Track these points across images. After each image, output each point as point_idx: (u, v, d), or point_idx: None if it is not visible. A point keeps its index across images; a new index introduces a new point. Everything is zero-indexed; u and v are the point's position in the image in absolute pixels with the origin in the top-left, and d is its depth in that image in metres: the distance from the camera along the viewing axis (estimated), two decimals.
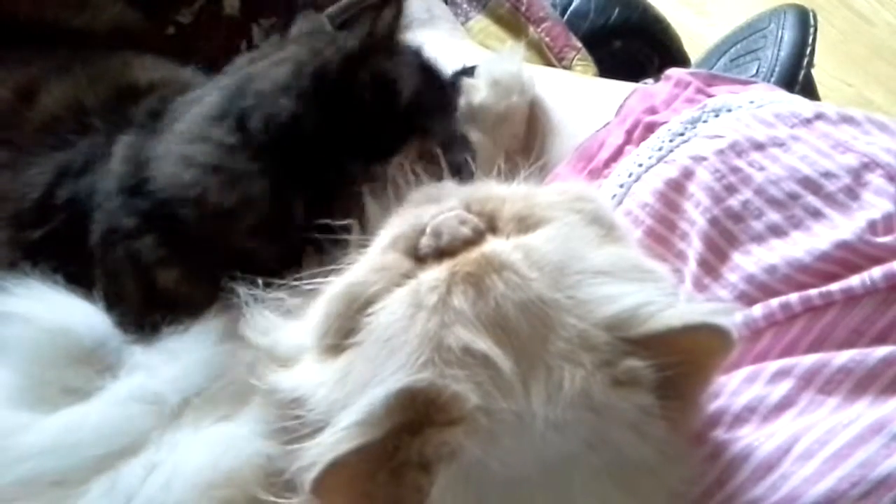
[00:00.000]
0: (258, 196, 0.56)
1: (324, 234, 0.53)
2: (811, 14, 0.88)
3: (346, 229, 0.53)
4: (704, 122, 0.58)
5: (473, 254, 0.44)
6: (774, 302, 0.50)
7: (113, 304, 0.57)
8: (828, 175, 0.53)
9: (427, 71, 0.63)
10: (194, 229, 0.57)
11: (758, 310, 0.50)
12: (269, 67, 0.60)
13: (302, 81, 0.57)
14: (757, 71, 0.84)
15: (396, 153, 0.58)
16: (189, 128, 0.59)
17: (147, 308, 0.57)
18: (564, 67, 0.86)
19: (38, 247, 0.61)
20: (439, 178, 0.55)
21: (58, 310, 0.55)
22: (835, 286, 0.48)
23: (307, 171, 0.56)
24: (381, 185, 0.56)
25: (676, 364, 0.42)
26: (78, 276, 0.57)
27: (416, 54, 0.64)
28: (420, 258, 0.46)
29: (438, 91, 0.63)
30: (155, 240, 0.58)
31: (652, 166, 0.58)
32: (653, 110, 0.61)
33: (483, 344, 0.41)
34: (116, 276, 0.59)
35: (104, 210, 0.60)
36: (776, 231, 0.52)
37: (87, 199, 0.61)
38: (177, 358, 0.54)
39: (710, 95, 0.61)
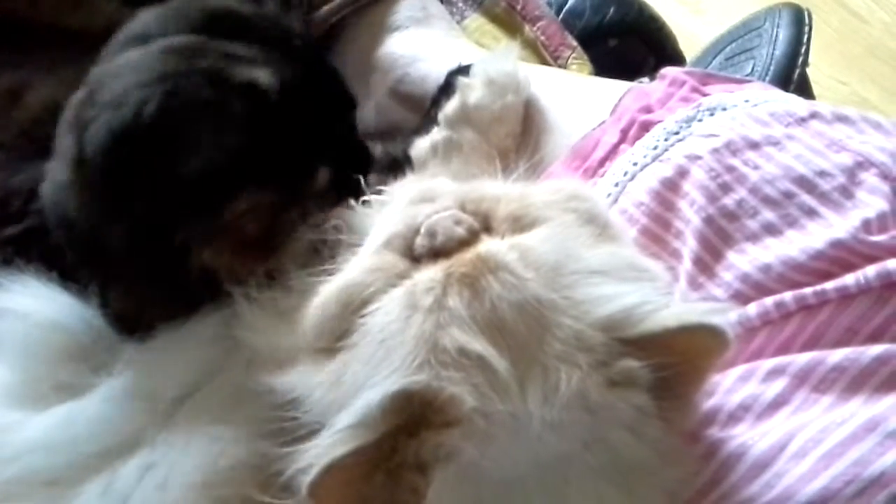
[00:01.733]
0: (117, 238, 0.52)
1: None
2: (806, 13, 0.88)
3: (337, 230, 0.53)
4: (699, 120, 0.58)
5: (469, 254, 0.44)
6: (769, 300, 0.50)
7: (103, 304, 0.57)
8: (822, 174, 0.53)
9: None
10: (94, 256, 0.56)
11: (752, 308, 0.50)
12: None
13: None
14: (752, 70, 0.84)
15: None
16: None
17: (120, 326, 0.57)
18: (560, 66, 0.85)
19: (18, 240, 0.61)
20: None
21: (52, 306, 0.55)
22: (829, 285, 0.49)
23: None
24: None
25: (672, 364, 0.42)
26: (68, 276, 0.57)
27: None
28: (415, 258, 0.46)
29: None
30: (88, 270, 0.57)
31: (647, 165, 0.58)
32: (648, 109, 0.61)
33: (479, 345, 0.41)
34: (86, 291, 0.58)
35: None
36: (771, 230, 0.52)
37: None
38: (170, 355, 0.54)
39: (705, 94, 0.61)
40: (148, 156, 0.50)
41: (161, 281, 0.55)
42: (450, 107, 0.66)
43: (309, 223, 0.55)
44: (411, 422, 0.41)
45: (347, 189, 0.56)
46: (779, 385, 0.47)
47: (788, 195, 0.53)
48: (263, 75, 0.53)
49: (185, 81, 0.51)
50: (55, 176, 0.55)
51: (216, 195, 0.52)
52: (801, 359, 0.47)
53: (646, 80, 0.69)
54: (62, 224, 0.55)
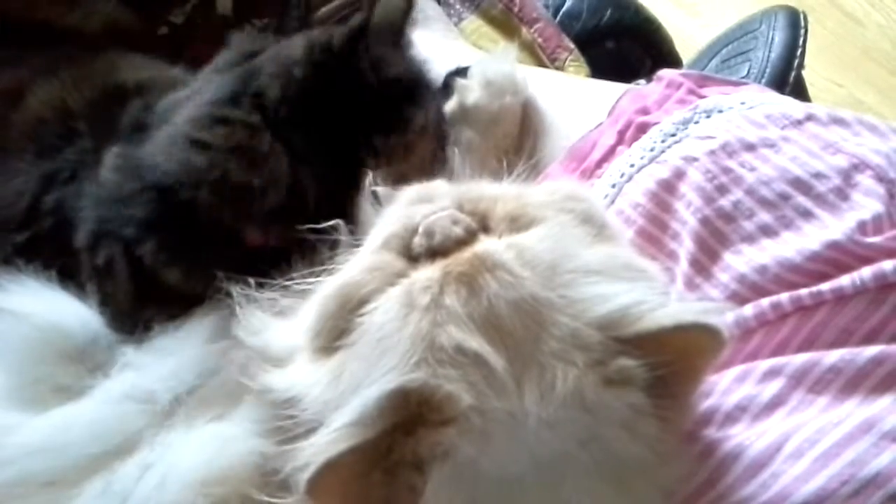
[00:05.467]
0: (282, 174, 0.56)
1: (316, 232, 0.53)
2: (802, 15, 0.88)
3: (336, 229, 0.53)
4: (696, 122, 0.58)
5: (466, 253, 0.44)
6: (765, 301, 0.50)
7: (103, 303, 0.56)
8: (818, 176, 0.53)
9: (420, 67, 0.64)
10: (206, 217, 0.56)
11: (749, 309, 0.50)
12: (274, 54, 0.60)
13: (312, 56, 0.58)
14: (748, 72, 0.85)
15: (389, 132, 0.59)
16: (195, 114, 0.58)
17: (140, 303, 0.57)
18: (557, 68, 0.86)
19: (26, 248, 0.60)
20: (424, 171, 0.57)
21: (50, 307, 0.55)
22: (825, 286, 0.49)
23: (319, 148, 0.57)
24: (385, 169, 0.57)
25: (668, 363, 0.42)
26: (67, 276, 0.57)
27: (413, 48, 0.65)
28: (413, 258, 0.46)
29: (426, 85, 0.64)
30: (156, 245, 0.57)
31: (644, 167, 0.58)
32: (645, 111, 0.62)
33: (476, 343, 0.41)
34: (106, 279, 0.59)
35: (93, 215, 0.59)
36: (767, 231, 0.52)
37: (72, 208, 0.60)
38: (168, 356, 0.53)
39: (701, 96, 0.61)
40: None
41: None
42: (448, 108, 0.66)
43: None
44: (408, 420, 0.41)
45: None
46: (775, 386, 0.47)
47: (784, 197, 0.53)
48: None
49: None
50: (212, 143, 0.56)
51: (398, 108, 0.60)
52: (797, 360, 0.47)
53: (642, 82, 0.69)
54: (191, 188, 0.56)
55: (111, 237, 0.58)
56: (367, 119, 0.58)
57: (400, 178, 0.54)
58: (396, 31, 0.62)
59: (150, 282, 0.58)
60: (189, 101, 0.60)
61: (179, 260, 0.58)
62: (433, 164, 0.62)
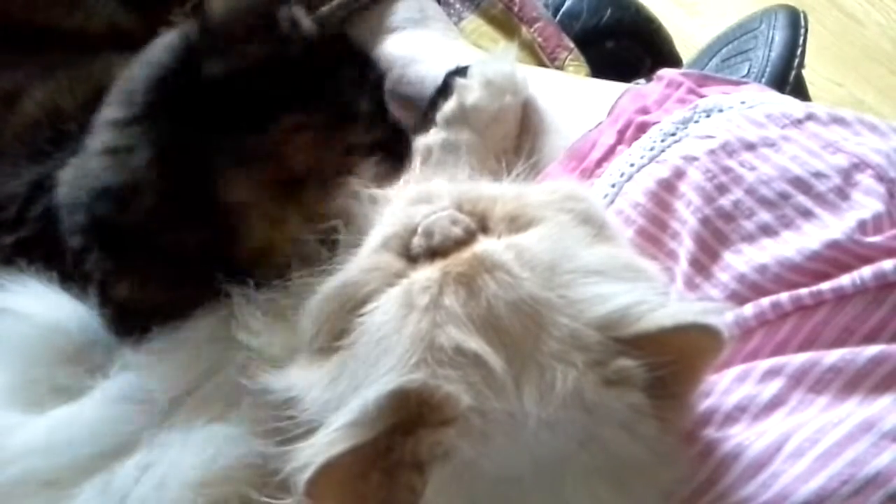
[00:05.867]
0: (141, 168, 0.52)
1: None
2: (802, 15, 0.88)
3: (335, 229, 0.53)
4: (696, 122, 0.58)
5: (465, 254, 0.44)
6: (765, 301, 0.50)
7: (102, 304, 0.56)
8: (818, 175, 0.53)
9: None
10: (118, 227, 0.55)
11: (749, 309, 0.50)
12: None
13: (186, 41, 0.55)
14: (748, 71, 0.85)
15: (290, 114, 0.54)
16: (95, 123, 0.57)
17: (121, 322, 0.56)
18: (557, 68, 0.86)
19: (15, 252, 0.60)
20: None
21: (50, 308, 0.55)
22: (825, 285, 0.49)
23: (205, 134, 0.52)
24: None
25: (668, 363, 0.42)
26: (66, 277, 0.57)
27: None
28: (412, 258, 0.46)
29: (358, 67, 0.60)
30: (99, 254, 0.56)
31: (644, 166, 0.58)
32: (645, 110, 0.61)
33: (475, 344, 0.41)
34: (85, 293, 0.58)
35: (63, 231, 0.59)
36: (767, 231, 0.52)
37: (57, 217, 0.60)
38: (167, 357, 0.53)
39: (701, 96, 0.61)
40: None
41: (181, 246, 0.54)
42: (447, 108, 0.66)
43: (351, 174, 0.55)
44: (408, 420, 0.41)
45: (391, 132, 0.57)
46: (775, 386, 0.47)
47: (784, 196, 0.53)
48: (305, 20, 0.56)
49: None
50: (94, 144, 0.55)
51: (258, 106, 0.52)
52: (797, 359, 0.47)
53: (642, 81, 0.69)
54: (88, 198, 0.55)
55: (70, 252, 0.57)
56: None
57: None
58: (260, 13, 0.55)
59: (111, 300, 0.56)
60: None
61: (124, 269, 0.56)
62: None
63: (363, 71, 0.60)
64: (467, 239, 0.46)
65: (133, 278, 0.56)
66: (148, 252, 0.55)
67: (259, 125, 0.53)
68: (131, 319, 0.55)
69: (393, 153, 0.59)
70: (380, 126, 0.59)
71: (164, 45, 0.56)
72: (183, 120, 0.53)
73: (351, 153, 0.56)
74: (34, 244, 0.59)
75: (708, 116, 0.58)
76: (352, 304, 0.45)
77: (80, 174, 0.57)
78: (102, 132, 0.56)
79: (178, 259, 0.55)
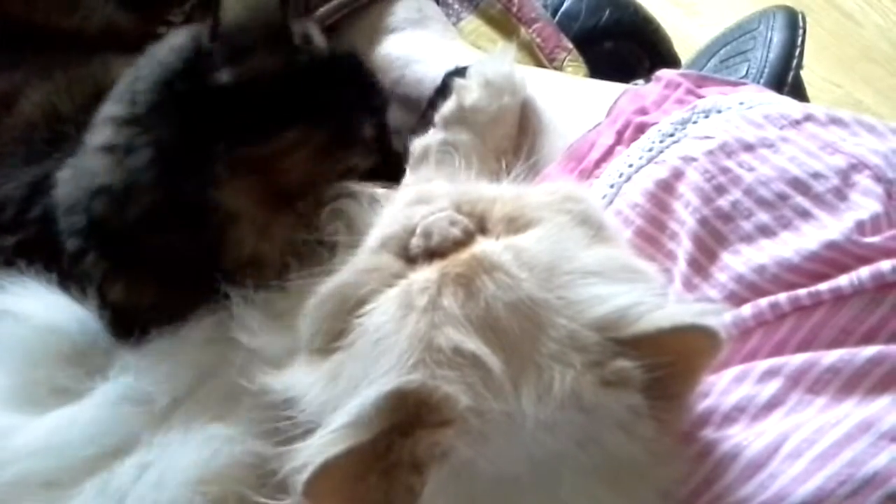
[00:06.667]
0: (139, 169, 0.53)
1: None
2: (800, 16, 0.88)
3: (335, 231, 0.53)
4: (694, 123, 0.58)
5: (464, 254, 0.44)
6: (763, 302, 0.50)
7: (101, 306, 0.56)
8: (816, 176, 0.53)
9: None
10: (114, 228, 0.55)
11: (747, 309, 0.50)
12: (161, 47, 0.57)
13: (196, 44, 0.55)
14: (746, 72, 0.85)
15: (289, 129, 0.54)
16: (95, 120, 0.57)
17: (117, 325, 0.56)
18: (555, 68, 0.86)
19: (15, 254, 0.60)
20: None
21: (49, 309, 0.55)
22: (823, 286, 0.49)
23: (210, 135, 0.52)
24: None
25: (666, 364, 0.42)
26: (66, 278, 0.57)
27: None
28: (410, 259, 0.46)
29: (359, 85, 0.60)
30: (96, 255, 0.56)
31: (642, 167, 0.58)
32: (643, 111, 0.61)
33: (473, 344, 0.41)
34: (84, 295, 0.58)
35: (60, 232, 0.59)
36: (765, 231, 0.52)
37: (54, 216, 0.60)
38: (166, 358, 0.54)
39: (700, 96, 0.61)
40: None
41: (174, 250, 0.54)
42: (446, 108, 0.66)
43: (343, 192, 0.54)
44: (406, 421, 0.41)
45: (388, 159, 0.57)
46: (773, 386, 0.47)
47: (782, 197, 0.53)
48: (318, 36, 0.56)
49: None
50: (94, 142, 0.55)
51: (261, 117, 0.52)
52: (795, 360, 0.47)
53: (641, 82, 0.69)
54: (86, 197, 0.55)
55: (67, 254, 0.58)
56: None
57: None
58: (274, 25, 0.55)
59: (106, 302, 0.56)
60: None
61: (118, 270, 0.56)
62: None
63: (369, 94, 0.60)
64: (466, 240, 0.46)
65: (127, 280, 0.56)
66: (142, 255, 0.56)
67: (260, 137, 0.53)
68: (127, 321, 0.55)
69: (389, 179, 0.59)
70: (379, 152, 0.59)
71: (172, 45, 0.56)
72: (185, 123, 0.53)
73: (347, 175, 0.56)
74: (33, 246, 0.59)
75: (706, 117, 0.58)
76: (350, 305, 0.45)
77: (78, 173, 0.57)
78: (102, 129, 0.56)
79: (171, 263, 0.55)
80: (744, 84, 0.64)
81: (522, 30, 0.88)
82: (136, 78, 0.57)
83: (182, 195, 0.53)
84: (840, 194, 0.52)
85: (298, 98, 0.55)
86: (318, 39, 0.59)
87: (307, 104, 0.55)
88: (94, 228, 0.56)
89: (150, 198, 0.53)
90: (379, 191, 0.53)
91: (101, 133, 0.56)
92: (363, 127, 0.58)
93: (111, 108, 0.57)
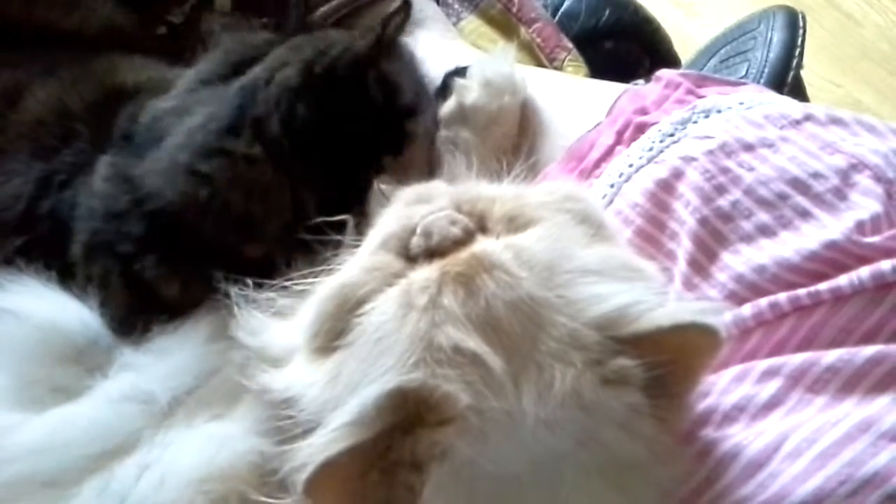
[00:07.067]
0: (284, 204, 0.56)
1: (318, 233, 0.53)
2: (800, 16, 0.88)
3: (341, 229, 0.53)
4: (694, 122, 0.58)
5: (464, 254, 0.44)
6: (763, 301, 0.50)
7: (102, 304, 0.56)
8: (816, 176, 0.53)
9: (420, 74, 0.64)
10: (208, 241, 0.57)
11: (747, 309, 0.50)
12: (269, 71, 0.59)
13: (313, 82, 0.57)
14: (746, 72, 0.85)
15: (399, 152, 0.58)
16: (193, 142, 0.58)
17: (135, 312, 0.57)
18: (555, 68, 0.86)
19: (23, 251, 0.60)
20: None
21: (50, 307, 0.55)
22: (823, 286, 0.49)
23: (323, 174, 0.57)
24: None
25: (666, 363, 0.42)
26: (67, 277, 0.57)
27: (413, 57, 0.64)
28: (411, 258, 0.46)
29: (425, 92, 0.64)
30: (156, 259, 0.58)
31: (642, 167, 0.58)
32: (643, 111, 0.62)
33: (473, 343, 0.41)
34: (101, 290, 0.58)
35: (87, 226, 0.59)
36: (765, 231, 0.52)
37: (68, 212, 0.60)
38: (166, 357, 0.54)
39: (700, 96, 0.61)
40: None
41: (228, 249, 0.56)
42: (446, 108, 0.66)
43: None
44: (406, 420, 0.41)
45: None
46: (773, 386, 0.47)
47: (782, 196, 0.53)
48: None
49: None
50: (211, 175, 0.57)
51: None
52: (795, 359, 0.47)
53: (641, 82, 0.69)
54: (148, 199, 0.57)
55: (106, 251, 0.58)
56: (374, 139, 0.58)
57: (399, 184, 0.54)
58: (391, 41, 0.61)
59: (147, 294, 0.58)
60: (179, 118, 0.59)
61: (179, 273, 0.58)
62: (428, 167, 0.61)
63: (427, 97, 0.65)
64: (466, 239, 0.46)
65: (184, 278, 0.58)
66: (199, 252, 0.57)
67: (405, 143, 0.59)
68: (147, 311, 0.57)
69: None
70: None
71: (293, 85, 0.58)
72: (319, 155, 0.57)
73: None
74: (41, 243, 0.60)
75: (706, 117, 0.58)
76: (351, 304, 0.45)
77: (179, 192, 0.57)
78: (214, 157, 0.57)
79: (221, 260, 0.56)
80: (744, 84, 0.64)
81: (522, 30, 0.88)
82: (251, 107, 0.58)
83: (258, 204, 0.57)
84: (840, 194, 0.52)
85: (416, 109, 0.61)
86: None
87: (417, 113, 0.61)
88: (164, 236, 0.57)
89: (235, 203, 0.56)
90: (383, 187, 0.53)
91: (213, 163, 0.57)
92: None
93: (226, 142, 0.58)
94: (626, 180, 0.58)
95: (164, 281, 0.58)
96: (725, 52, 0.90)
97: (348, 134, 0.58)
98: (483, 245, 0.45)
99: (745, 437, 0.46)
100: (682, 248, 0.54)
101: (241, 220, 0.56)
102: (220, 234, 0.57)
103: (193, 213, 0.56)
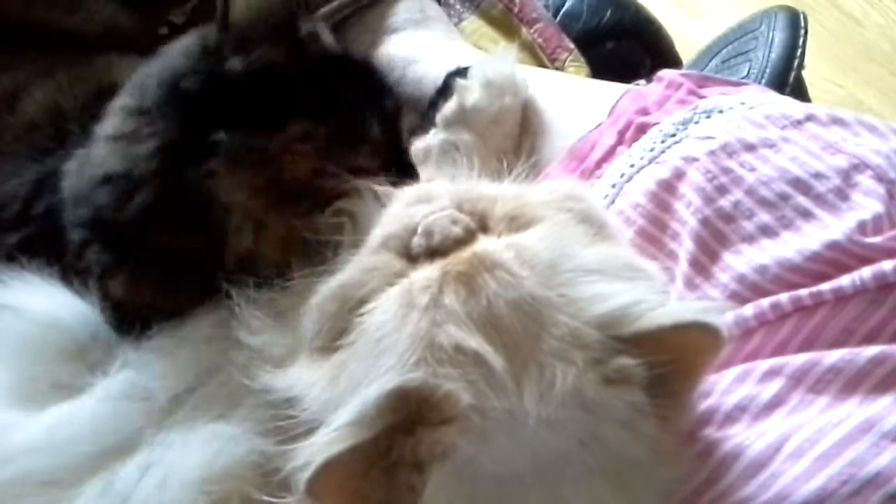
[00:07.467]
0: (143, 158, 0.53)
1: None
2: (802, 16, 0.88)
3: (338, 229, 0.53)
4: (696, 123, 0.58)
5: (465, 253, 0.45)
6: (765, 302, 0.50)
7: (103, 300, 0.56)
8: (818, 176, 0.53)
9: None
10: (116, 219, 0.55)
11: (749, 309, 0.50)
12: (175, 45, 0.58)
13: (204, 41, 0.55)
14: (748, 72, 0.85)
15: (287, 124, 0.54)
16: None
17: (118, 320, 0.56)
18: (557, 68, 0.86)
19: (19, 250, 0.60)
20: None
21: (50, 304, 0.55)
22: (825, 286, 0.49)
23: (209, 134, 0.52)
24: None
25: (667, 362, 0.42)
26: (68, 273, 0.57)
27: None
28: (412, 258, 0.46)
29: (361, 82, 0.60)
30: (98, 247, 0.56)
31: (644, 167, 0.58)
32: (645, 111, 0.62)
33: (475, 342, 0.41)
34: (87, 290, 0.57)
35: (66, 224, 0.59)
36: (767, 231, 0.52)
37: (61, 213, 0.60)
38: (168, 355, 0.53)
39: (701, 97, 0.61)
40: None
41: (173, 246, 0.54)
42: (447, 108, 0.66)
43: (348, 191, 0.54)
44: (408, 419, 0.41)
45: (396, 158, 0.57)
46: (775, 386, 0.47)
47: (784, 197, 0.53)
48: (328, 36, 0.57)
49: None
50: (103, 131, 0.56)
51: (266, 110, 0.52)
52: (797, 360, 0.47)
53: (642, 82, 0.69)
54: (89, 187, 0.55)
55: (72, 246, 0.58)
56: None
57: None
58: (281, 19, 0.55)
59: (108, 297, 0.56)
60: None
61: (121, 264, 0.56)
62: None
63: (380, 95, 0.60)
64: (467, 238, 0.46)
65: (128, 275, 0.56)
66: (143, 249, 0.55)
67: (262, 129, 0.53)
68: (127, 317, 0.55)
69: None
70: (388, 154, 0.59)
71: (181, 44, 0.57)
72: (190, 116, 0.53)
73: (354, 174, 0.55)
74: (37, 241, 0.60)
75: (708, 117, 0.58)
76: (352, 304, 0.45)
77: (84, 161, 0.58)
78: (112, 118, 0.57)
79: (172, 260, 0.55)
80: (745, 84, 0.64)
81: (524, 30, 0.88)
82: (147, 74, 0.57)
83: (181, 186, 0.53)
84: (842, 194, 0.52)
85: (306, 93, 0.55)
86: (327, 38, 0.59)
87: (315, 100, 0.55)
88: (97, 219, 0.56)
89: (152, 189, 0.53)
90: (383, 189, 0.53)
91: (110, 122, 0.57)
92: (371, 127, 0.58)
93: (122, 99, 0.57)
94: (628, 180, 0.58)
95: (108, 275, 0.56)
96: (727, 53, 0.90)
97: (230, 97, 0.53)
98: (484, 244, 0.45)
99: (746, 437, 0.46)
100: (684, 248, 0.54)
101: (113, 180, 0.54)
102: (116, 206, 0.55)
103: (94, 179, 0.55)
